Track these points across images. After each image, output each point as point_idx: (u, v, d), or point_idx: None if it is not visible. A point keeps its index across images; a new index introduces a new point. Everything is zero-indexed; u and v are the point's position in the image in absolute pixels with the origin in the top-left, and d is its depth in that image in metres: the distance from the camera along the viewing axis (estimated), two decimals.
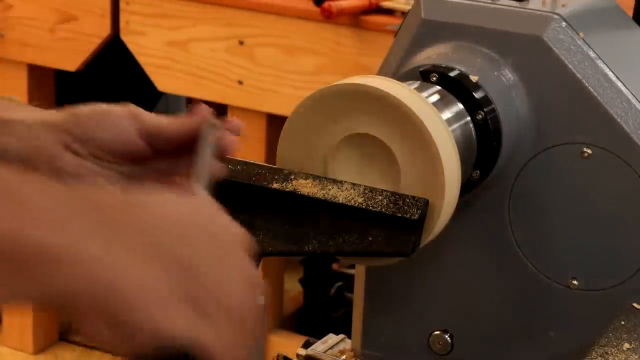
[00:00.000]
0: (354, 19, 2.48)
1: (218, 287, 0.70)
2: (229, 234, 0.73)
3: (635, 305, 1.11)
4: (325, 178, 1.04)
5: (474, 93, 1.12)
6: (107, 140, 0.94)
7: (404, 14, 2.21)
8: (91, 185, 0.76)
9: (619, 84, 1.14)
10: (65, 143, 0.93)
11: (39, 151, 0.92)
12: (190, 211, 0.73)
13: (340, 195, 1.02)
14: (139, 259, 0.67)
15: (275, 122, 2.62)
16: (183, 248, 0.69)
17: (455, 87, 1.12)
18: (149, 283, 0.67)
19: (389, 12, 2.48)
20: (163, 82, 2.76)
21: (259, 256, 1.03)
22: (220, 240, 0.72)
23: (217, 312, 0.69)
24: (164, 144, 0.96)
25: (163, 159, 0.97)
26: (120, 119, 0.95)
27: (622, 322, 1.06)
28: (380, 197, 1.02)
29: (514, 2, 1.18)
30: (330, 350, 1.30)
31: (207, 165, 0.93)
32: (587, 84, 1.13)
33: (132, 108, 0.96)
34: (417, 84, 1.12)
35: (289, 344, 2.56)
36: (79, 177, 0.92)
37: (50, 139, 0.93)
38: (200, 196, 0.78)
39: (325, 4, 2.43)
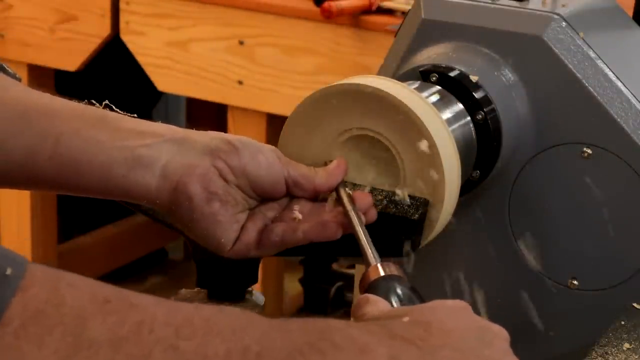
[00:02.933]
0: (354, 19, 2.48)
1: None
2: (495, 334, 0.82)
3: (635, 305, 1.11)
4: None
5: (474, 93, 1.12)
6: (258, 176, 0.97)
7: (404, 14, 2.21)
8: (391, 318, 0.82)
9: (619, 84, 1.14)
10: (219, 169, 0.96)
11: (192, 170, 0.95)
12: (462, 320, 0.81)
13: None
14: None
15: (275, 122, 2.62)
16: (480, 357, 0.79)
17: (455, 87, 1.12)
18: None
19: (389, 12, 2.48)
20: (163, 82, 2.76)
21: (259, 257, 1.03)
22: (497, 342, 0.81)
23: None
24: (300, 192, 1.00)
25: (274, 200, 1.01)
26: (272, 158, 0.98)
27: (622, 322, 1.06)
28: (380, 197, 1.02)
29: (514, 2, 1.18)
30: None
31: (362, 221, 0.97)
32: (587, 84, 1.13)
33: (277, 149, 1.00)
34: (417, 84, 1.12)
35: None
36: (224, 203, 0.96)
37: (207, 161, 0.96)
38: (457, 306, 0.84)
39: (325, 4, 2.43)
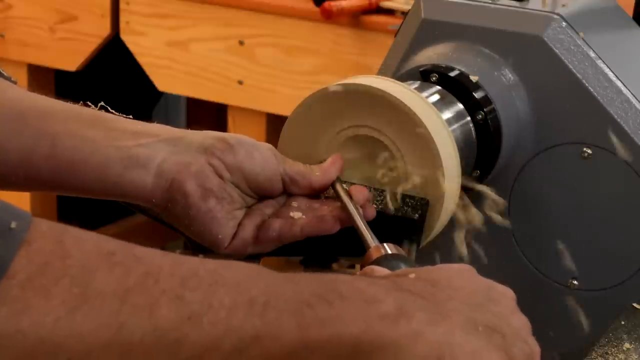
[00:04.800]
0: (354, 19, 2.48)
1: (523, 341, 0.80)
2: (502, 293, 0.83)
3: (635, 305, 1.11)
4: None
5: (474, 93, 1.12)
6: (254, 173, 0.98)
7: (404, 14, 2.21)
8: (397, 276, 0.83)
9: (619, 84, 1.14)
10: (215, 166, 0.96)
11: (187, 168, 0.96)
12: (470, 279, 0.83)
13: None
14: (464, 332, 0.77)
15: (275, 122, 2.62)
16: (485, 314, 0.79)
17: (455, 87, 1.12)
18: (481, 352, 0.77)
19: (389, 12, 2.48)
20: (163, 82, 2.76)
21: (259, 256, 1.03)
22: (504, 300, 0.83)
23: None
24: (297, 189, 1.00)
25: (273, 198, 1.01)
26: (268, 155, 0.99)
27: (622, 322, 1.06)
28: (380, 197, 1.02)
29: (514, 2, 1.18)
30: None
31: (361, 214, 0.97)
32: (587, 84, 1.13)
33: (272, 147, 1.01)
34: (417, 84, 1.12)
35: None
36: (220, 200, 0.96)
37: (202, 159, 0.96)
38: (463, 267, 0.85)
39: (325, 4, 2.43)
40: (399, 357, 0.75)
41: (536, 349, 0.81)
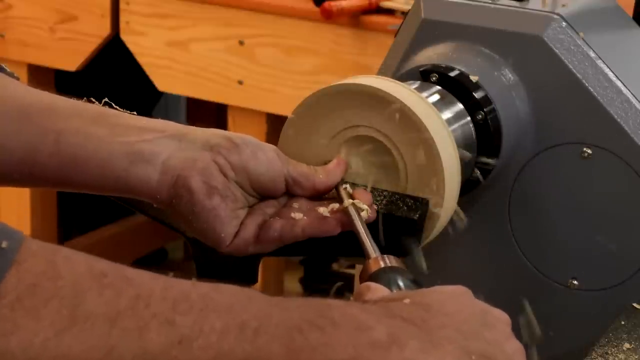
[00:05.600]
0: (354, 19, 2.48)
1: None
2: (496, 318, 0.82)
3: (635, 305, 1.11)
4: None
5: (474, 93, 1.12)
6: (258, 173, 0.98)
7: (404, 14, 2.21)
8: (391, 300, 0.82)
9: (619, 84, 1.14)
10: (220, 165, 0.96)
11: (193, 164, 0.95)
12: (463, 303, 0.82)
13: None
14: (455, 354, 0.76)
15: (275, 122, 2.62)
16: (478, 341, 0.78)
17: (455, 87, 1.12)
18: None
19: (389, 12, 2.48)
20: (163, 82, 2.76)
21: (261, 256, 1.03)
22: (497, 325, 0.81)
23: None
24: (300, 191, 1.00)
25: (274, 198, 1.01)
26: (272, 156, 0.99)
27: (622, 322, 1.06)
28: (380, 197, 1.02)
29: (514, 2, 1.18)
30: None
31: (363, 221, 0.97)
32: (587, 84, 1.13)
33: (277, 148, 1.01)
34: (417, 84, 1.12)
35: None
36: (224, 198, 0.96)
37: (208, 156, 0.96)
38: (458, 290, 0.85)
39: (325, 4, 2.43)
40: None
41: None
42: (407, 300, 0.80)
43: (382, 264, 0.89)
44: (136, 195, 0.98)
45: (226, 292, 0.74)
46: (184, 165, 0.95)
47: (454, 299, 0.81)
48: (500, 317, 0.82)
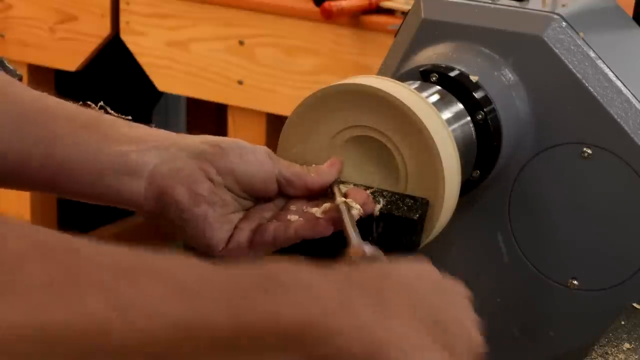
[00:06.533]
0: (354, 19, 2.48)
1: (465, 335, 0.80)
2: (453, 289, 0.83)
3: (635, 305, 1.11)
4: None
5: (474, 93, 1.12)
6: (247, 175, 0.97)
7: (404, 14, 2.21)
8: (350, 266, 0.82)
9: (619, 84, 1.14)
10: (206, 171, 0.96)
11: (177, 174, 0.96)
12: (421, 274, 0.82)
13: None
14: (407, 327, 0.76)
15: (275, 122, 2.62)
16: (431, 307, 0.79)
17: (455, 87, 1.12)
18: (422, 347, 0.76)
19: (389, 12, 2.48)
20: (163, 82, 2.76)
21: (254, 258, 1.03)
22: (451, 294, 0.82)
23: (468, 353, 0.80)
24: (293, 191, 1.00)
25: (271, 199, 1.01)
26: (263, 157, 0.99)
27: (622, 322, 1.06)
28: (380, 197, 1.02)
29: (514, 2, 1.18)
30: None
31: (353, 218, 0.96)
32: (587, 84, 1.13)
33: (269, 149, 1.00)
34: (417, 84, 1.12)
35: None
36: (212, 204, 0.96)
37: (193, 164, 0.96)
38: (418, 263, 0.85)
39: (325, 4, 2.43)
40: (337, 350, 0.72)
41: (479, 341, 0.81)
42: (366, 269, 0.80)
43: (361, 252, 0.89)
44: (127, 206, 0.98)
45: (169, 260, 0.73)
46: (169, 175, 0.96)
47: (414, 270, 0.82)
48: (457, 289, 0.83)
